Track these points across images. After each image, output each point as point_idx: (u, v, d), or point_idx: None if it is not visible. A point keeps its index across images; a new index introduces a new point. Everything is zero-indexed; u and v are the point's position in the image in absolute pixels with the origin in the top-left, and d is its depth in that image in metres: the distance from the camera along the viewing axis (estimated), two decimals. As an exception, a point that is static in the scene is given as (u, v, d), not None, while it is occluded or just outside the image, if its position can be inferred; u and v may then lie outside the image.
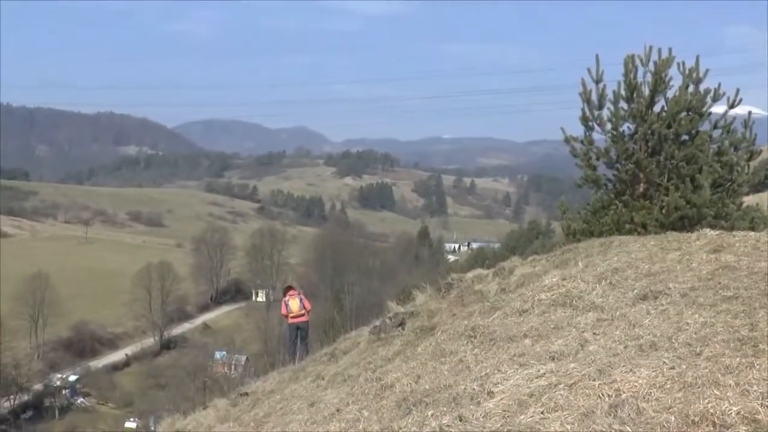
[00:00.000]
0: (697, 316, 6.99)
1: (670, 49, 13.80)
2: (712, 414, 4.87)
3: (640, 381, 5.59)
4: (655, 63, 13.68)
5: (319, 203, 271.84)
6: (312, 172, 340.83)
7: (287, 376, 12.35)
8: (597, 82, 14.20)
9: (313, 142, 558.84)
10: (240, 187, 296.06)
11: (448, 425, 5.88)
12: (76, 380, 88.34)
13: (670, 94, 13.81)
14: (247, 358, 79.67)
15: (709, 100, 13.67)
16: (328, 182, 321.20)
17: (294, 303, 17.92)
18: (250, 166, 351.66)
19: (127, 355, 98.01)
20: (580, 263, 10.14)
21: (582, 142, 14.59)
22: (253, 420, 9.90)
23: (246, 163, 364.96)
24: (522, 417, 5.54)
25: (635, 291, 8.29)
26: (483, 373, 6.95)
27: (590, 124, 14.37)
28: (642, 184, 13.88)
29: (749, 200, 15.71)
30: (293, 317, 17.89)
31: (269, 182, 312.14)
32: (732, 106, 13.85)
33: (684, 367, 5.72)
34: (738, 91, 13.69)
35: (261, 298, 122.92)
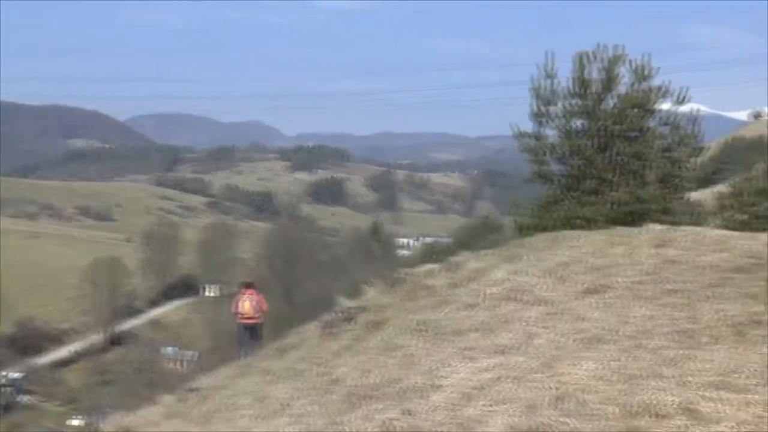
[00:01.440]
0: (641, 309, 7.09)
1: (622, 47, 14.01)
2: (653, 405, 4.94)
3: (583, 374, 5.65)
4: (606, 60, 13.86)
5: (271, 198, 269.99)
6: (264, 166, 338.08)
7: (236, 371, 12.21)
8: (549, 77, 14.33)
9: (268, 136, 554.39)
10: (192, 181, 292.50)
11: (395, 419, 5.86)
12: (20, 378, 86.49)
13: (622, 90, 14.01)
14: (198, 353, 78.93)
15: (657, 97, 13.91)
16: (280, 177, 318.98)
17: (247, 304, 17.03)
18: (202, 161, 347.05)
19: (72, 351, 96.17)
20: (528, 258, 10.22)
21: (535, 137, 14.71)
22: (201, 416, 9.76)
23: (198, 157, 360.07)
24: (468, 410, 5.55)
25: (583, 285, 8.38)
26: (431, 367, 6.95)
27: (541, 120, 14.51)
28: (592, 180, 14.06)
29: (695, 196, 16.03)
30: (245, 318, 17.06)
31: (221, 177, 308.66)
32: (679, 103, 14.11)
33: (627, 359, 5.79)
34: (687, 89, 13.99)
35: (211, 293, 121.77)
